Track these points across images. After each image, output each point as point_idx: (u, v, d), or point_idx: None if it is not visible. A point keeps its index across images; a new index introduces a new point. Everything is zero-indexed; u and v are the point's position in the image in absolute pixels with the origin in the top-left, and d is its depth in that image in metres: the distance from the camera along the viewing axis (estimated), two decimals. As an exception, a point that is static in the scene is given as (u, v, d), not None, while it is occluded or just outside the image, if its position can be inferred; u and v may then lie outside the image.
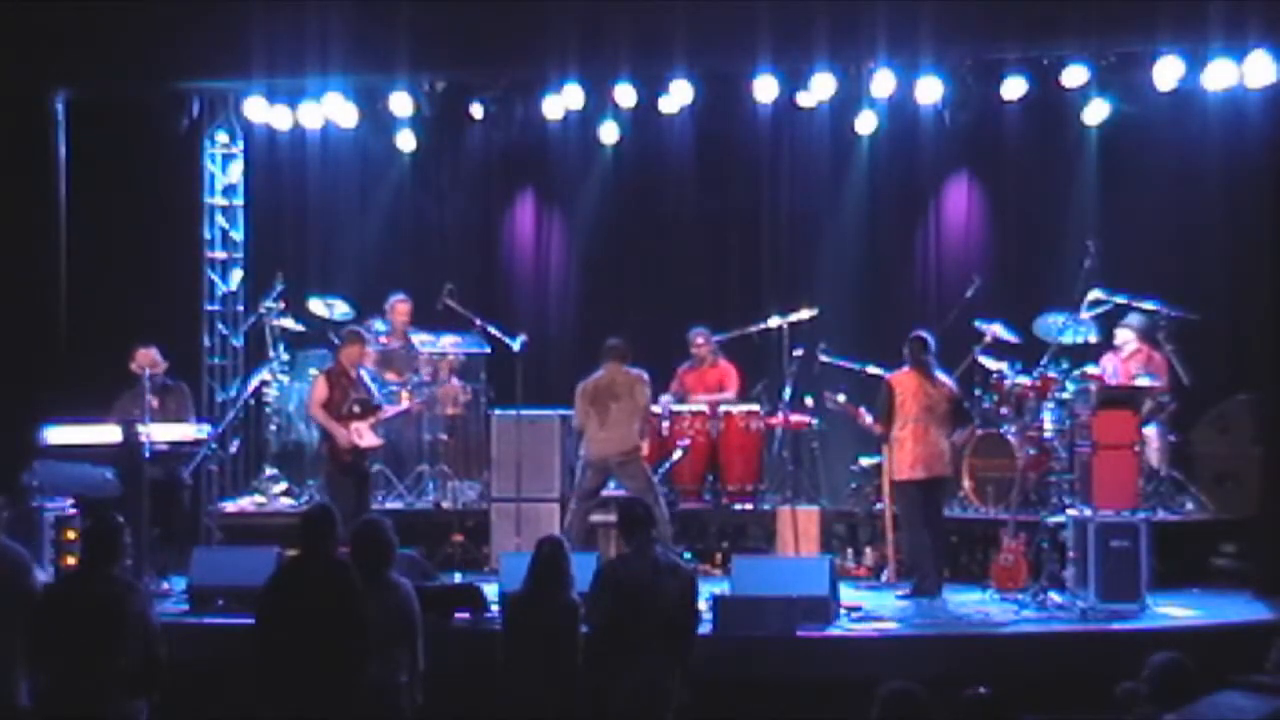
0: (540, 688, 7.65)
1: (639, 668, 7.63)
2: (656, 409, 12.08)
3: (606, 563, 8.65)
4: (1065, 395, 11.32)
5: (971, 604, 10.50)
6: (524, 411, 12.05)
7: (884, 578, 11.39)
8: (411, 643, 7.47)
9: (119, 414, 11.08)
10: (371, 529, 7.64)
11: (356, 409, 11.26)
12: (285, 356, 13.03)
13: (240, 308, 13.32)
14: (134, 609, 7.18)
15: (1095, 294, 11.62)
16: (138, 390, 11.10)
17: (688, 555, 11.45)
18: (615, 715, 7.61)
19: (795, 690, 8.97)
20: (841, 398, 11.46)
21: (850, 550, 11.93)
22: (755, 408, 12.47)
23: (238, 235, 13.39)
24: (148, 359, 11.36)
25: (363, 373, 11.62)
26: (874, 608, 10.21)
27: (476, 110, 13.13)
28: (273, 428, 13.03)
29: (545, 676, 7.67)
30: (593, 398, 11.19)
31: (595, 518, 11.31)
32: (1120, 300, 11.76)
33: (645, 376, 11.37)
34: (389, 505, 12.34)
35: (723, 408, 12.44)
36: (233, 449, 12.99)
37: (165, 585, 10.69)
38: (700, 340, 12.74)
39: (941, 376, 10.98)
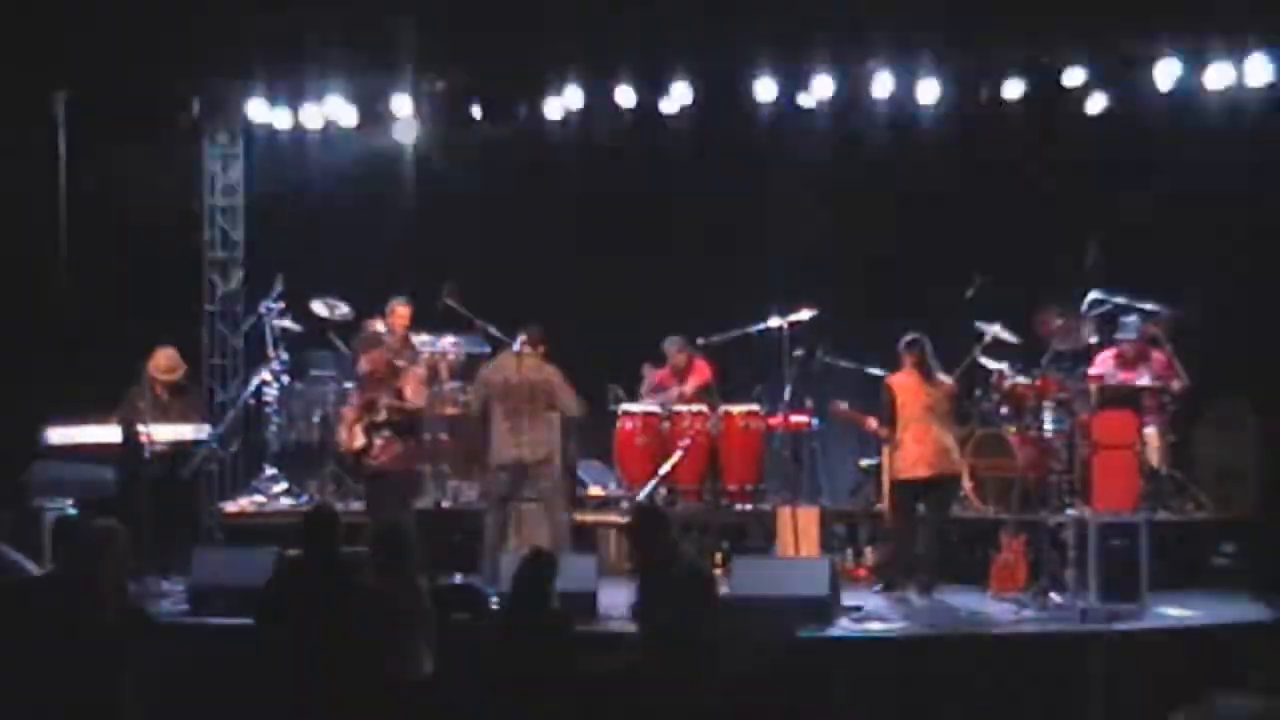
0: (540, 692, 7.65)
1: None
2: (657, 409, 12.10)
3: None
4: (1065, 395, 11.32)
5: (971, 604, 10.52)
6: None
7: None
8: (422, 644, 7.49)
9: (125, 409, 11.08)
10: (395, 530, 7.80)
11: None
12: (285, 356, 13.03)
13: (240, 308, 13.31)
14: (133, 608, 7.19)
15: (1095, 294, 11.62)
16: (144, 389, 11.10)
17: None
18: None
19: (795, 690, 8.97)
20: (845, 405, 11.43)
21: (850, 550, 11.91)
22: (755, 408, 12.45)
23: (238, 235, 13.38)
24: (167, 359, 11.35)
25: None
26: (874, 608, 10.22)
27: (476, 110, 13.14)
28: (273, 428, 13.02)
29: (544, 679, 7.66)
30: (501, 394, 10.89)
31: (593, 517, 11.28)
32: (1120, 300, 11.76)
33: (559, 373, 10.99)
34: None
35: (722, 407, 12.42)
36: (233, 449, 12.98)
37: (165, 585, 10.70)
38: (676, 349, 12.69)
39: (941, 375, 10.98)
